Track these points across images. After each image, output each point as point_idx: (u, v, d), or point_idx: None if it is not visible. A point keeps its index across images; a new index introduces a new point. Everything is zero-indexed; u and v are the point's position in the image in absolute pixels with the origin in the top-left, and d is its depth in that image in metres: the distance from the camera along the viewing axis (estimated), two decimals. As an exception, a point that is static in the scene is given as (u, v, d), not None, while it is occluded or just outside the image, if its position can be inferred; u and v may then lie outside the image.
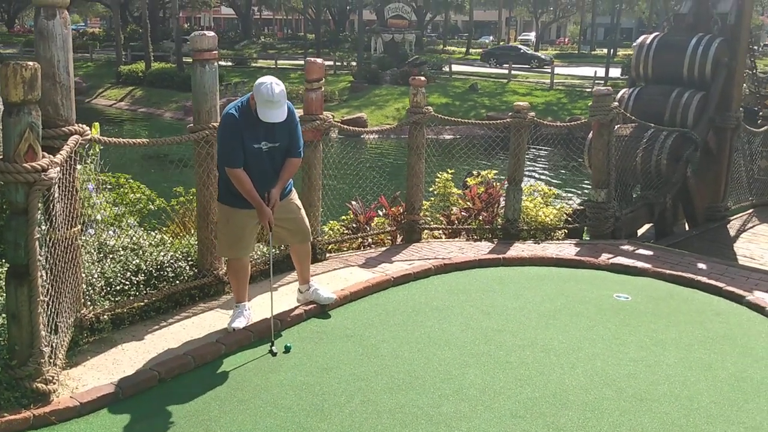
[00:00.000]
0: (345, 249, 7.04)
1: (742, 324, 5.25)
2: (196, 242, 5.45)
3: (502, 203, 7.65)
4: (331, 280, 5.82)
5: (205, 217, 5.32)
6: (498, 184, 7.95)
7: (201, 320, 4.94)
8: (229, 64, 41.73)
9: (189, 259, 5.41)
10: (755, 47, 13.39)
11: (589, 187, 8.51)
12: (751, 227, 9.87)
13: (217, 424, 3.65)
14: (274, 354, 4.47)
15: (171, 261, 5.20)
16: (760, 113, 11.56)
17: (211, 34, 5.18)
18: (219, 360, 4.37)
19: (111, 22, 57.07)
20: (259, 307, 5.12)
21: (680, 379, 4.30)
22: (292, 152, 4.73)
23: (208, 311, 5.10)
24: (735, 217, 10.37)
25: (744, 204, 10.95)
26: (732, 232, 9.57)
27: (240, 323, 4.72)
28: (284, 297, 5.36)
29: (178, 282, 5.14)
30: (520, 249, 7.04)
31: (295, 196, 5.01)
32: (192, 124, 5.30)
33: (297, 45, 56.11)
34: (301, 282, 5.19)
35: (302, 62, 40.80)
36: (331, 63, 37.96)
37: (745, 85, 10.62)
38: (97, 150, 5.19)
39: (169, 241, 5.57)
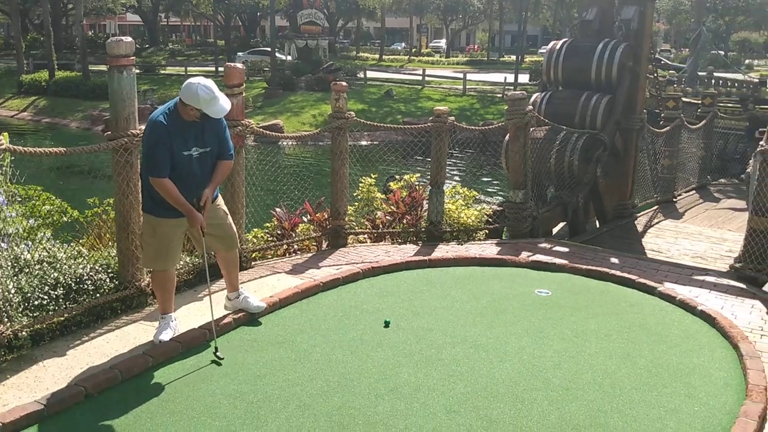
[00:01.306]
0: (270, 256, 6.98)
1: (655, 313, 5.54)
2: (116, 254, 5.29)
3: (425, 206, 7.79)
4: (259, 287, 5.76)
5: (125, 228, 5.16)
6: (421, 187, 8.07)
7: (125, 333, 4.79)
8: (137, 71, 40.46)
9: (109, 271, 5.23)
10: (655, 52, 14.16)
11: (507, 188, 8.76)
12: (657, 222, 10.41)
13: (150, 438, 3.56)
14: (219, 359, 4.43)
15: (90, 273, 5.01)
16: (662, 115, 12.22)
17: (128, 39, 5.04)
18: (147, 373, 4.25)
19: (10, 30, 54.26)
20: (186, 318, 5.02)
21: (602, 368, 4.50)
22: (223, 155, 4.66)
23: (132, 324, 4.95)
24: (642, 213, 10.90)
25: (649, 201, 11.53)
26: (640, 228, 10.06)
27: (167, 335, 4.61)
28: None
29: (98, 295, 4.97)
30: (444, 250, 7.18)
31: (221, 202, 4.94)
32: (109, 132, 5.14)
33: (207, 51, 55.08)
34: (230, 289, 5.11)
35: (213, 69, 40.42)
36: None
37: (647, 88, 11.20)
38: (8, 161, 4.95)
39: (86, 254, 5.37)
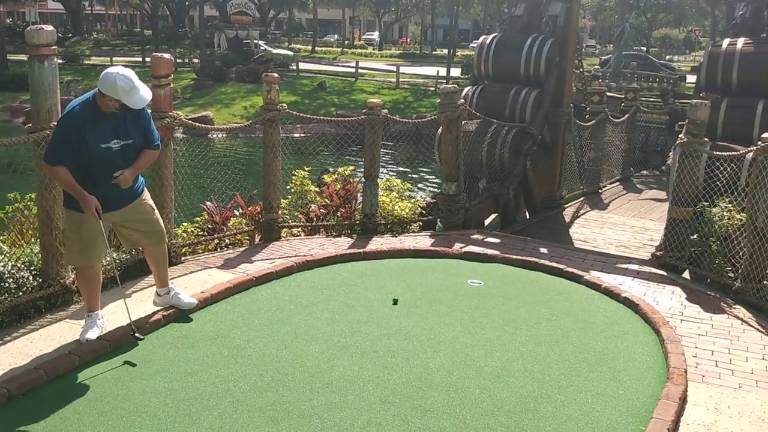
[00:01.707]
0: (201, 251, 6.86)
1: (582, 301, 5.72)
2: (39, 250, 5.09)
3: (360, 199, 7.79)
4: (189, 283, 5.65)
5: (48, 223, 4.98)
6: (355, 180, 8.07)
7: (50, 332, 4.62)
8: (60, 61, 38.94)
9: (32, 268, 5.05)
10: (580, 48, 14.56)
11: (440, 181, 8.86)
12: (583, 213, 10.74)
13: (77, 440, 3.45)
14: (136, 338, 4.47)
15: (12, 271, 4.83)
16: (588, 109, 12.58)
17: (49, 28, 4.84)
18: (74, 372, 4.12)
19: None
20: (113, 315, 4.88)
21: (532, 355, 4.62)
22: (149, 146, 4.54)
23: (57, 322, 4.79)
24: (569, 204, 11.23)
25: (576, 192, 11.88)
26: (567, 219, 10.35)
27: (93, 333, 4.47)
28: (140, 303, 5.14)
29: (21, 293, 4.79)
30: (378, 243, 7.21)
31: (147, 196, 4.80)
32: (30, 124, 4.93)
33: (133, 41, 53.47)
34: (159, 285, 4.99)
35: (140, 59, 39.27)
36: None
37: (573, 83, 11.51)
38: None
39: (7, 251, 5.16)
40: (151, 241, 4.81)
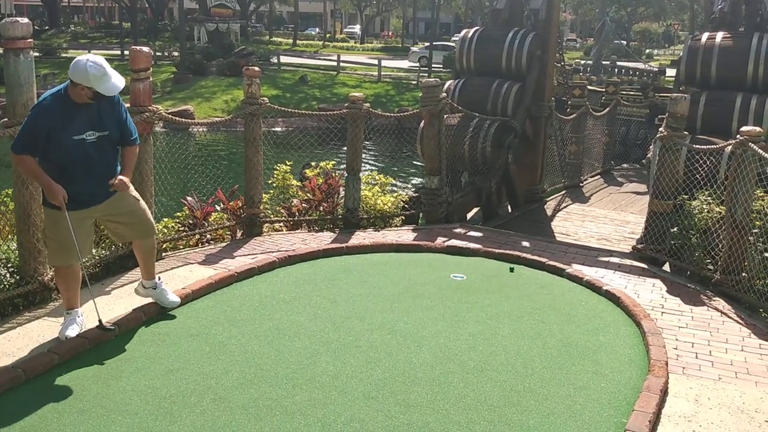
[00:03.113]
0: (182, 247, 6.80)
1: (564, 294, 5.75)
2: (17, 247, 5.01)
3: (342, 193, 7.77)
4: (170, 279, 5.59)
5: (26, 220, 4.90)
6: (337, 174, 8.04)
7: (28, 330, 4.56)
8: (36, 54, 38.36)
9: (9, 265, 4.97)
10: (561, 41, 14.62)
11: (423, 175, 8.85)
12: (565, 207, 10.80)
13: (56, 439, 3.41)
14: (108, 329, 4.47)
15: (-12, 269, 4.74)
16: (569, 103, 12.64)
17: (25, 20, 4.75)
18: (53, 371, 4.06)
19: None
20: (92, 313, 4.82)
21: (515, 349, 4.63)
22: (127, 140, 4.47)
23: (35, 320, 4.72)
24: (551, 198, 11.28)
25: (558, 186, 11.94)
26: (549, 212, 10.40)
27: (73, 331, 4.41)
28: (119, 300, 5.09)
29: (-2, 291, 4.71)
30: (361, 237, 7.20)
31: (131, 188, 4.73)
32: (6, 119, 4.85)
33: (112, 34, 52.81)
34: (146, 277, 4.89)
35: (118, 52, 38.80)
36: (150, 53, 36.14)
37: (554, 77, 11.56)
38: None
39: (-17, 248, 5.08)
40: (138, 233, 4.71)
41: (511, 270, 6.14)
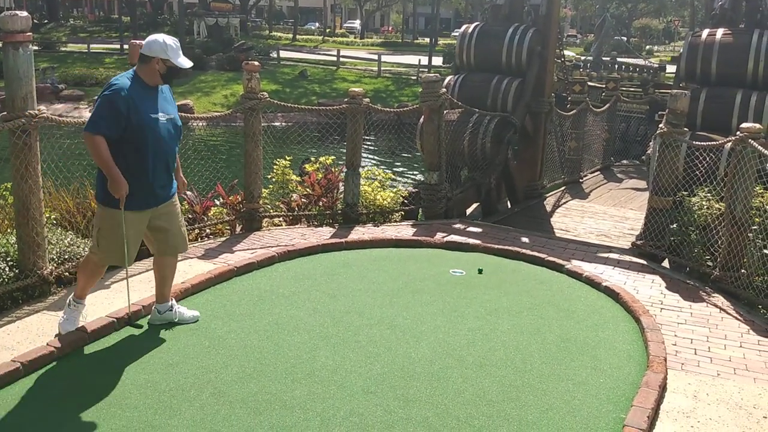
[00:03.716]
0: (181, 241, 6.79)
1: (563, 290, 5.75)
2: (16, 241, 5.01)
3: (341, 188, 7.76)
4: (170, 273, 5.59)
5: (25, 213, 4.90)
6: (336, 169, 8.04)
7: (27, 324, 4.56)
8: (36, 48, 38.26)
9: (8, 259, 4.97)
10: (562, 37, 14.61)
11: (423, 170, 8.84)
12: (565, 203, 10.79)
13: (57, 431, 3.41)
14: (138, 326, 4.51)
15: (-13, 262, 4.74)
16: (569, 98, 12.62)
17: (24, 14, 4.74)
18: (52, 365, 4.06)
19: None
20: (93, 307, 4.83)
21: (514, 344, 4.64)
22: (180, 131, 4.47)
23: (35, 314, 4.72)
24: (550, 194, 11.28)
25: (557, 182, 11.93)
26: (549, 208, 10.40)
27: (72, 324, 4.41)
28: (118, 294, 5.09)
29: (-3, 284, 4.71)
30: (360, 232, 7.20)
31: (176, 197, 4.59)
32: (5, 113, 4.84)
33: (111, 28, 52.66)
34: (161, 300, 4.68)
35: (117, 46, 38.72)
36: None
37: (555, 72, 11.54)
38: None
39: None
40: (171, 246, 4.53)
41: (480, 272, 5.99)
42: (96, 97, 4.22)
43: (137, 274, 5.55)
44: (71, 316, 4.45)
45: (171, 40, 4.23)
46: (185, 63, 4.29)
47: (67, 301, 4.52)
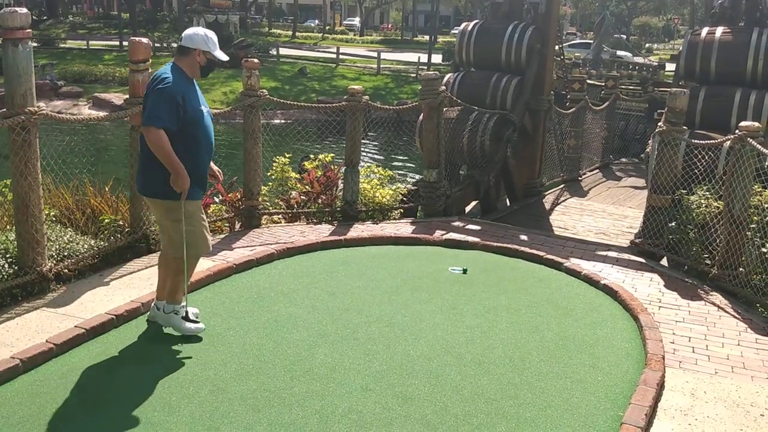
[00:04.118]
0: (180, 238, 6.79)
1: (561, 288, 5.76)
2: (15, 238, 5.02)
3: (341, 186, 7.77)
4: (169, 270, 5.60)
5: (24, 210, 4.90)
6: (335, 167, 8.04)
7: (26, 321, 4.56)
8: (35, 44, 38.18)
9: (8, 255, 4.97)
10: (561, 35, 14.61)
11: (421, 168, 8.84)
12: (563, 201, 10.80)
13: (56, 428, 3.42)
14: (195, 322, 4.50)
15: (-13, 259, 4.75)
16: (568, 96, 12.62)
17: (24, 11, 4.75)
18: (51, 361, 4.07)
19: None
20: (91, 303, 4.85)
21: (512, 342, 4.65)
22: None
23: (34, 311, 4.73)
24: (549, 192, 11.28)
25: (556, 180, 11.94)
26: (547, 206, 10.41)
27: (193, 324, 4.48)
28: (118, 291, 5.11)
29: (-4, 281, 4.71)
30: (359, 230, 7.20)
31: None
32: (4, 110, 4.84)
33: (110, 25, 52.59)
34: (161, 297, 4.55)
35: (116, 43, 38.65)
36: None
37: (554, 70, 11.54)
38: None
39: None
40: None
41: (464, 272, 5.96)
42: (148, 92, 4.18)
43: (136, 271, 5.56)
44: (182, 322, 4.44)
45: (210, 33, 4.30)
46: (223, 56, 4.37)
47: (174, 310, 4.44)
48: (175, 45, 37.47)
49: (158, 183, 4.17)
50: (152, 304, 4.64)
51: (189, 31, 4.32)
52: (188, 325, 4.47)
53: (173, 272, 4.42)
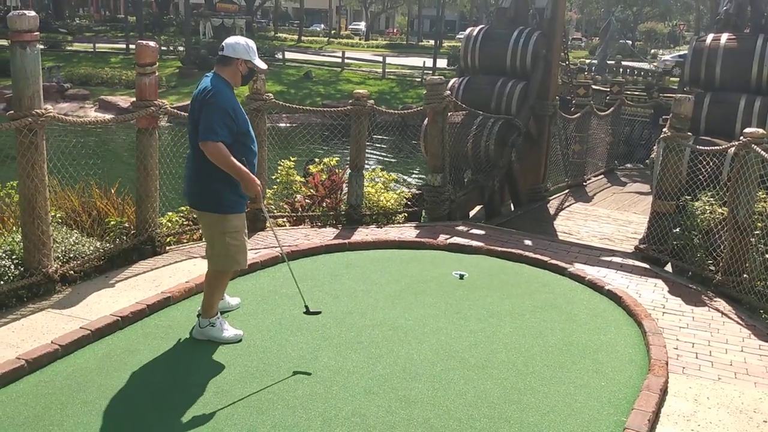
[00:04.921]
0: (185, 241, 6.83)
1: (565, 293, 5.76)
2: (21, 239, 5.04)
3: (345, 190, 7.79)
4: (174, 273, 5.63)
5: (30, 212, 4.93)
6: (340, 170, 8.06)
7: (32, 322, 4.59)
8: (42, 47, 38.30)
9: (14, 257, 5.00)
10: (567, 40, 14.62)
11: (426, 172, 8.86)
12: (568, 206, 10.80)
13: (60, 429, 3.44)
14: (313, 313, 4.60)
15: (-7, 260, 4.77)
16: (573, 102, 12.63)
17: (32, 13, 4.78)
18: (56, 362, 4.09)
19: None
20: (97, 305, 4.87)
21: (516, 347, 4.65)
22: None
23: (39, 312, 4.75)
24: (554, 197, 11.28)
25: (561, 185, 11.94)
26: (552, 211, 10.40)
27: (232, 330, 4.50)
28: (123, 293, 5.13)
29: (2, 282, 4.75)
30: (364, 233, 7.22)
31: None
32: (12, 111, 4.87)
33: (117, 28, 52.81)
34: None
35: (123, 46, 38.80)
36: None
37: (559, 76, 11.56)
38: None
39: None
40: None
41: (461, 277, 5.94)
42: (196, 105, 4.17)
43: (141, 273, 5.59)
44: (225, 325, 4.48)
45: (251, 42, 4.34)
46: (263, 64, 4.39)
47: (210, 323, 4.44)
48: (181, 48, 37.73)
49: (210, 196, 4.25)
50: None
51: (230, 40, 4.32)
52: (226, 333, 4.46)
53: (213, 283, 4.48)
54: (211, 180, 4.17)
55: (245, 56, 4.27)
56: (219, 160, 4.06)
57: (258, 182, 4.24)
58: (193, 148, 4.26)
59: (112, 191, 6.70)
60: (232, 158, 4.08)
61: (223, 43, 4.32)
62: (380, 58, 37.98)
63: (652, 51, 55.02)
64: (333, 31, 63.98)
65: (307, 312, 4.61)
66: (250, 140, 4.32)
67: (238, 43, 4.29)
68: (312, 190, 7.84)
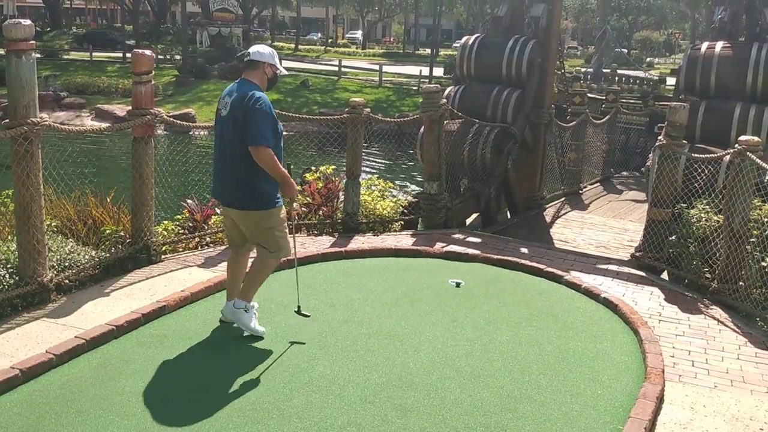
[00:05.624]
0: (181, 249, 6.81)
1: (562, 301, 5.76)
2: (16, 248, 5.03)
3: (342, 198, 7.79)
4: (169, 282, 5.62)
5: (26, 221, 4.92)
6: (337, 179, 8.06)
7: (26, 331, 4.57)
8: (38, 56, 38.33)
9: (8, 266, 4.98)
10: (562, 49, 14.68)
11: (422, 180, 8.86)
12: (564, 214, 10.81)
13: (54, 440, 3.42)
14: (305, 315, 4.81)
15: (-13, 269, 4.75)
16: (569, 110, 12.66)
17: (27, 22, 4.78)
18: (51, 372, 4.07)
19: None
20: (92, 313, 4.86)
21: (512, 355, 4.64)
22: None
23: (34, 321, 4.73)
24: (550, 205, 11.29)
25: (557, 193, 11.95)
26: (548, 219, 10.41)
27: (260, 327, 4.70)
28: (118, 302, 5.11)
29: (-4, 291, 4.72)
30: (360, 241, 7.21)
31: None
32: (7, 120, 4.87)
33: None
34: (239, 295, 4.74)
35: (119, 55, 38.86)
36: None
37: (554, 84, 11.58)
38: None
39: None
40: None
41: (457, 285, 5.96)
42: (239, 111, 4.33)
43: (137, 282, 5.57)
44: (254, 316, 4.69)
45: (273, 50, 4.62)
46: (284, 70, 4.62)
47: (244, 307, 4.65)
48: (178, 57, 37.80)
49: (256, 197, 4.45)
50: (226, 304, 4.80)
51: (255, 47, 4.63)
52: (254, 324, 4.65)
53: (262, 272, 4.71)
54: (259, 181, 4.40)
55: (270, 60, 4.51)
56: (268, 163, 4.30)
57: (294, 185, 4.54)
58: (233, 152, 4.41)
59: (108, 200, 6.69)
60: (276, 162, 4.34)
61: (248, 50, 4.59)
62: (377, 67, 38.13)
63: (648, 59, 55.28)
64: (330, 40, 64.19)
65: (298, 312, 4.82)
66: (282, 144, 4.57)
67: (264, 48, 4.57)
68: (308, 199, 7.83)
